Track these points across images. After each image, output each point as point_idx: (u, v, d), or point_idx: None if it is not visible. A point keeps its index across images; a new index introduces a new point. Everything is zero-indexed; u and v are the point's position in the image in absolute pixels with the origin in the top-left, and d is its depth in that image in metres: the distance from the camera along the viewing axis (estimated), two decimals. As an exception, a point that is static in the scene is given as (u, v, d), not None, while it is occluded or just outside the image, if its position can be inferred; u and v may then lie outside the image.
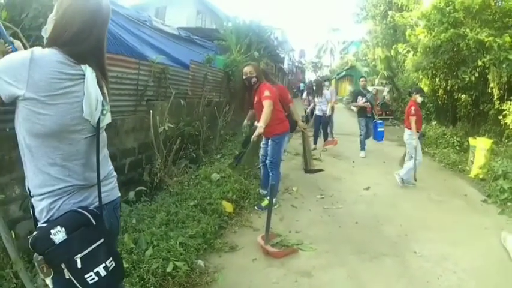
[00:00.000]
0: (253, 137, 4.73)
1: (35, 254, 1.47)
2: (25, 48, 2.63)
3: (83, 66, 1.52)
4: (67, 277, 1.45)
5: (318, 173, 6.57)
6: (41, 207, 1.53)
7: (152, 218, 3.98)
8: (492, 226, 5.06)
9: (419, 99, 6.78)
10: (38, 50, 1.44)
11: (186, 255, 3.32)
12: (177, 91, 6.69)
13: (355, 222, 5.03)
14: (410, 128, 6.64)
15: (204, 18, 23.86)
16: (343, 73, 41.13)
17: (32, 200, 1.57)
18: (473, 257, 4.13)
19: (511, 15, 9.11)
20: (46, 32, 1.62)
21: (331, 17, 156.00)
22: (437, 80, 11.87)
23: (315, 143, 10.24)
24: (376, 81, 22.93)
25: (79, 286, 1.47)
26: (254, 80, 5.02)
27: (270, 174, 5.27)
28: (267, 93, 4.85)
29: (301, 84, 45.48)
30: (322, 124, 10.33)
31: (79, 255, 1.46)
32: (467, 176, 7.89)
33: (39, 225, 1.52)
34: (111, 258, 1.57)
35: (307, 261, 3.83)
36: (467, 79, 9.99)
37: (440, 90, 12.17)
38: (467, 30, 9.25)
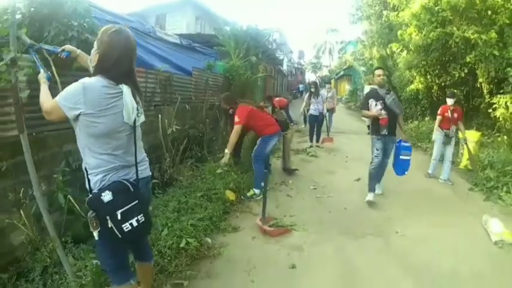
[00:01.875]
0: (222, 162, 5.63)
1: (89, 212, 2.16)
2: (48, 64, 3.21)
3: (120, 86, 2.18)
4: (109, 226, 2.12)
5: (297, 170, 7.43)
6: (96, 179, 2.21)
7: (165, 207, 4.55)
8: (476, 211, 5.50)
9: (448, 101, 7.27)
10: (87, 80, 2.12)
11: (196, 233, 3.91)
12: (182, 96, 7.14)
13: (344, 208, 5.57)
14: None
15: (203, 23, 24.18)
16: (342, 73, 41.39)
17: (89, 175, 2.23)
18: (453, 237, 4.61)
19: (498, 12, 9.42)
20: (91, 61, 2.33)
21: (329, 17, 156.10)
22: (429, 77, 12.30)
23: (311, 140, 10.81)
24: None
25: (117, 233, 2.13)
26: (231, 110, 5.99)
27: (253, 167, 5.91)
28: (236, 119, 5.65)
29: (301, 86, 45.89)
30: (318, 123, 10.81)
31: (119, 211, 2.13)
32: (457, 168, 8.26)
33: (93, 191, 2.20)
34: (142, 215, 2.24)
35: (299, 239, 4.39)
36: (457, 75, 10.43)
37: (435, 87, 12.57)
38: (454, 28, 9.72)
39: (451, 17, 10.11)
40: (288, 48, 45.97)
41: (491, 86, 9.92)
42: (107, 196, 2.12)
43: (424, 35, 10.85)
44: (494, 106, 9.29)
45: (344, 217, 5.23)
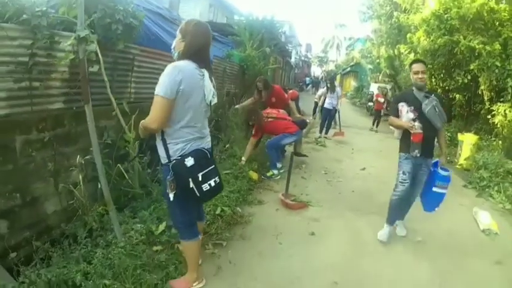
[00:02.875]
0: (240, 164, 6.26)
1: (168, 176, 2.57)
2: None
3: (203, 70, 2.61)
4: (191, 186, 2.54)
5: (307, 156, 7.77)
6: (176, 147, 2.58)
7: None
8: (468, 204, 6.20)
9: None
10: (178, 63, 2.52)
11: (229, 203, 4.56)
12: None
13: (352, 191, 6.31)
14: None
15: (216, 12, 24.31)
16: (348, 69, 41.68)
17: (168, 145, 2.58)
18: (446, 221, 5.31)
19: (504, 25, 9.88)
20: (175, 49, 2.71)
21: (338, 12, 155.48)
22: (433, 80, 12.81)
23: (321, 131, 11.48)
24: (380, 77, 23.80)
25: (197, 192, 2.56)
26: (251, 122, 6.57)
27: (267, 152, 6.63)
28: (253, 132, 6.41)
29: (307, 79, 46.23)
30: (330, 116, 11.47)
31: (201, 173, 2.57)
32: (454, 167, 9.01)
33: (175, 158, 2.57)
34: (217, 177, 2.70)
35: (315, 213, 5.11)
36: (461, 81, 10.92)
37: (439, 90, 13.02)
38: (461, 37, 10.20)
39: (458, 26, 10.53)
40: (296, 41, 46.21)
41: (492, 93, 10.34)
42: (189, 161, 2.52)
43: (432, 40, 11.30)
44: (493, 113, 9.78)
45: (352, 198, 5.97)
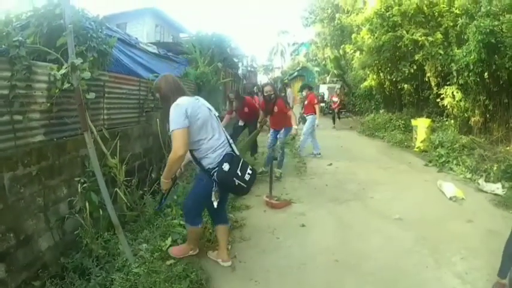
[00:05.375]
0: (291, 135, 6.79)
1: (213, 187, 3.12)
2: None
3: (196, 97, 3.23)
4: (236, 183, 3.06)
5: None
6: (213, 157, 3.09)
7: (178, 197, 5.13)
8: (431, 179, 6.78)
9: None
10: (178, 101, 2.98)
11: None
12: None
13: (325, 185, 6.71)
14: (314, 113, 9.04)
15: (163, 31, 24.48)
16: (295, 74, 42.50)
17: (202, 159, 3.11)
18: (415, 197, 5.90)
19: (443, 16, 10.51)
20: (164, 101, 3.21)
21: (280, 20, 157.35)
22: (381, 74, 13.53)
23: None
24: (328, 79, 24.54)
25: (243, 184, 3.10)
26: (273, 96, 6.69)
27: (281, 152, 6.96)
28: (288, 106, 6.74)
29: (254, 88, 46.47)
30: None
31: (238, 170, 3.09)
32: (412, 150, 9.81)
33: (217, 168, 3.05)
34: (250, 167, 3.26)
35: (299, 208, 5.43)
36: (407, 71, 11.59)
37: (387, 82, 13.74)
38: (404, 31, 10.87)
39: (400, 22, 11.19)
40: (242, 53, 46.62)
41: (438, 79, 10.99)
42: (226, 166, 3.01)
43: (377, 38, 11.94)
44: (442, 96, 10.38)
45: (327, 191, 6.34)
